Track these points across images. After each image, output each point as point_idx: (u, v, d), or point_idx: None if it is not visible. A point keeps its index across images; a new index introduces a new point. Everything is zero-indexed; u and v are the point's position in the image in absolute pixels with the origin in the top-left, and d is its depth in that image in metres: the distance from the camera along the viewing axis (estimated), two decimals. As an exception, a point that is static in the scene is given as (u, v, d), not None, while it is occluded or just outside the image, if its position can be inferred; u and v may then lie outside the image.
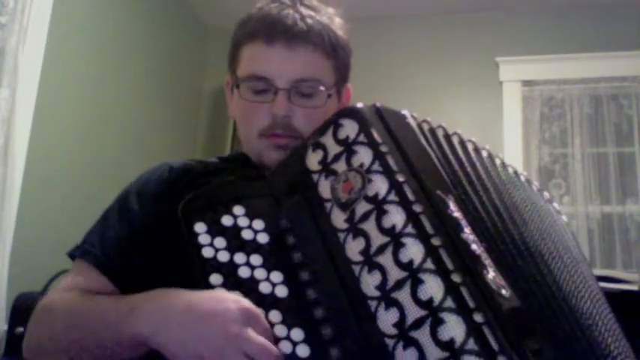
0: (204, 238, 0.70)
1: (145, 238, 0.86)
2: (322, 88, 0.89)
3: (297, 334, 0.64)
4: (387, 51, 3.36)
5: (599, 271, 1.72)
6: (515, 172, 0.92)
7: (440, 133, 0.80)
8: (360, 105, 0.75)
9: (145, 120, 2.89)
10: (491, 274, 0.62)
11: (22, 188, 2.02)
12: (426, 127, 0.79)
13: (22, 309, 1.85)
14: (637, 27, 3.07)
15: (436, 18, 3.36)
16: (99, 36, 2.54)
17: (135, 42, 2.82)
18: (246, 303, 0.64)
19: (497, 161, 0.88)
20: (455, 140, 0.82)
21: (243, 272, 0.68)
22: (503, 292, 0.62)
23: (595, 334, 0.75)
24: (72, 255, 0.89)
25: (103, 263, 0.85)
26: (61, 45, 2.26)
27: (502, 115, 3.15)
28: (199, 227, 0.70)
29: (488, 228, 0.72)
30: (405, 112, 0.78)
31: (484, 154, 0.86)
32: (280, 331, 0.64)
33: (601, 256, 2.94)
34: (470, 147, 0.83)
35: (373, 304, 0.62)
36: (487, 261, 0.64)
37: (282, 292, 0.67)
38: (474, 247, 0.64)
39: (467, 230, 0.66)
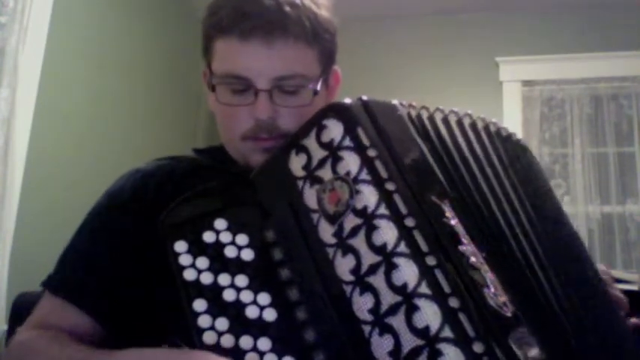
0: (185, 259, 0.65)
1: (124, 262, 0.80)
2: (309, 86, 0.81)
3: None
4: (387, 51, 3.35)
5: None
6: (518, 142, 0.86)
7: (438, 118, 0.75)
8: (346, 101, 0.69)
9: (145, 119, 2.89)
10: (491, 289, 0.59)
11: (22, 188, 2.02)
12: (414, 112, 0.73)
13: (22, 309, 1.85)
14: (637, 27, 3.07)
15: (436, 18, 3.36)
16: (99, 36, 2.54)
17: (135, 41, 2.82)
18: None
19: (504, 133, 0.82)
20: (452, 120, 0.76)
21: (229, 295, 0.64)
22: (505, 310, 0.58)
23: (606, 348, 0.72)
24: (45, 286, 0.82)
25: (81, 300, 0.78)
26: (61, 45, 2.25)
27: (502, 115, 3.14)
28: (180, 246, 0.66)
29: (490, 228, 0.68)
30: (395, 102, 0.72)
31: (492, 128, 0.80)
32: None
33: (601, 256, 2.94)
34: (466, 122, 0.78)
35: (367, 328, 0.59)
36: (487, 274, 0.60)
37: (270, 315, 0.63)
38: (472, 259, 0.60)
39: (464, 240, 0.62)
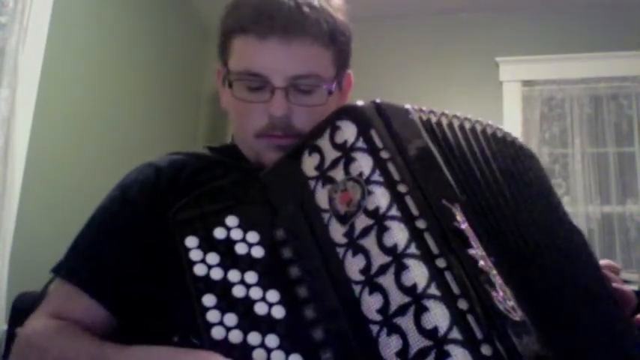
0: (195, 254, 0.66)
1: (134, 258, 0.80)
2: (324, 86, 0.82)
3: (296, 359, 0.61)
4: (387, 51, 3.35)
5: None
6: (514, 142, 0.86)
7: (444, 122, 0.76)
8: (359, 103, 0.70)
9: (145, 120, 2.89)
10: (500, 294, 0.59)
11: (22, 188, 2.02)
12: (424, 117, 0.74)
13: (22, 309, 1.85)
14: (637, 27, 3.07)
15: (436, 18, 3.36)
16: (99, 36, 2.54)
17: (135, 42, 2.82)
18: None
19: (499, 134, 0.83)
20: (456, 124, 0.77)
21: (238, 291, 0.64)
22: (513, 314, 0.58)
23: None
24: (57, 272, 0.82)
25: (93, 287, 0.79)
26: (61, 45, 2.25)
27: (502, 115, 3.14)
28: (190, 241, 0.66)
29: (496, 233, 0.69)
30: (407, 106, 0.73)
31: (489, 130, 0.81)
32: (278, 357, 0.61)
33: (601, 256, 2.92)
34: (467, 126, 0.79)
35: (375, 328, 0.59)
36: (496, 278, 0.60)
37: (279, 312, 0.64)
38: (481, 263, 0.60)
39: (474, 244, 0.62)
